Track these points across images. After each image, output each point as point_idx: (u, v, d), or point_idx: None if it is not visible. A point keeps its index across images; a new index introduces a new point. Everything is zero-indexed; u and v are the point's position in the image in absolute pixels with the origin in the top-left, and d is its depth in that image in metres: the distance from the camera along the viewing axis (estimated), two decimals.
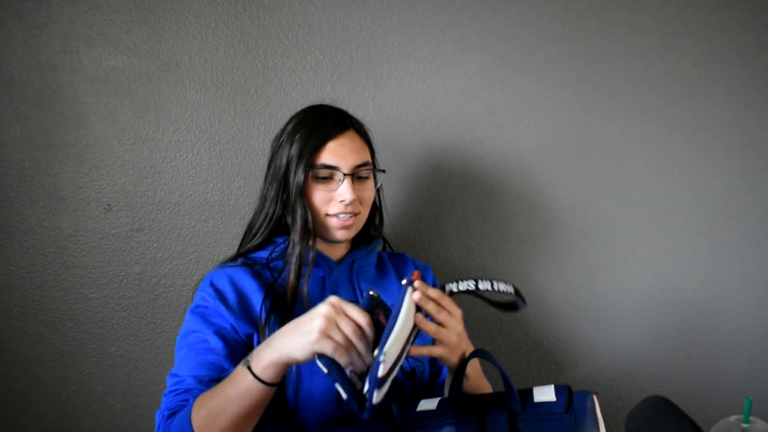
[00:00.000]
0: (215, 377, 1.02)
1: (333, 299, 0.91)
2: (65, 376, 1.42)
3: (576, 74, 1.49)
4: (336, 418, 1.08)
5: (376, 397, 0.84)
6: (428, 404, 1.01)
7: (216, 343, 1.05)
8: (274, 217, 1.14)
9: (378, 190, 1.21)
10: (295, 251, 1.10)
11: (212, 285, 1.10)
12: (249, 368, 0.93)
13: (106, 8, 1.37)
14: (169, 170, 1.41)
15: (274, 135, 1.19)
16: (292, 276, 1.09)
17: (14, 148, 1.37)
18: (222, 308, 1.07)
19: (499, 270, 1.51)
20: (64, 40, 1.36)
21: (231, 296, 1.09)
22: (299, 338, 0.90)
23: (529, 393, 0.96)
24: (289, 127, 1.15)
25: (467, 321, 1.50)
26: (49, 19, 1.35)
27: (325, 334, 0.88)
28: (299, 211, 1.10)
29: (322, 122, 1.13)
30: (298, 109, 1.19)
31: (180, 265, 1.42)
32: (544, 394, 0.95)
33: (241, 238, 1.20)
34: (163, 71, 1.39)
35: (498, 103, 1.48)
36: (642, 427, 1.09)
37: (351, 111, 1.43)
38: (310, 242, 1.10)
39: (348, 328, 0.89)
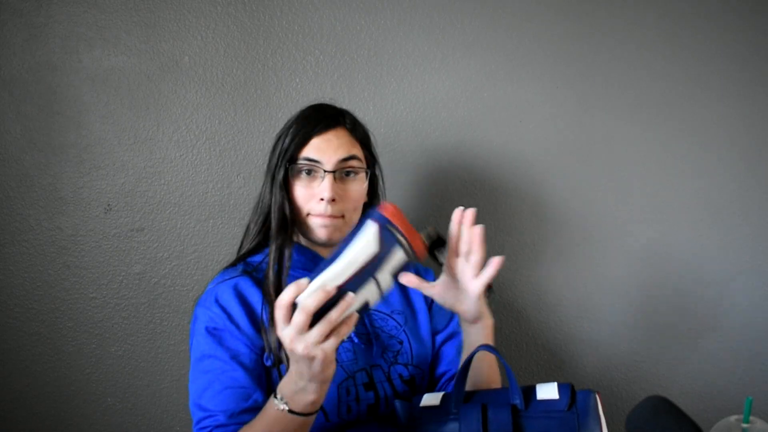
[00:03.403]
0: (245, 407, 1.01)
1: (282, 331, 0.85)
2: (65, 376, 1.42)
3: (576, 74, 1.49)
4: (335, 426, 1.08)
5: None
6: (432, 399, 1.01)
7: (236, 370, 1.03)
8: (265, 211, 1.13)
9: (377, 188, 1.20)
10: (274, 244, 1.07)
11: (218, 302, 1.07)
12: (291, 411, 0.91)
13: (106, 8, 1.37)
14: (169, 170, 1.41)
15: (275, 134, 1.19)
16: (270, 272, 1.06)
17: (14, 148, 1.37)
18: (233, 328, 1.05)
19: (499, 270, 1.51)
20: (64, 40, 1.36)
21: (239, 313, 1.06)
22: (320, 374, 0.87)
23: (532, 390, 0.97)
24: (286, 126, 1.15)
25: None
26: (49, 19, 1.35)
27: (332, 355, 0.86)
28: (278, 202, 1.08)
29: (312, 118, 1.13)
30: (298, 109, 1.19)
31: (180, 265, 1.42)
32: (547, 391, 0.95)
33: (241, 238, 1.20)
34: (163, 71, 1.39)
35: (498, 103, 1.48)
36: (642, 427, 1.09)
37: (351, 111, 1.44)
38: (291, 238, 1.08)
39: (319, 334, 0.84)
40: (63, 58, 1.36)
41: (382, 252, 0.88)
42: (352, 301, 0.86)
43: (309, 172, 1.10)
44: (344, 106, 1.43)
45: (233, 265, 1.15)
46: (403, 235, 0.89)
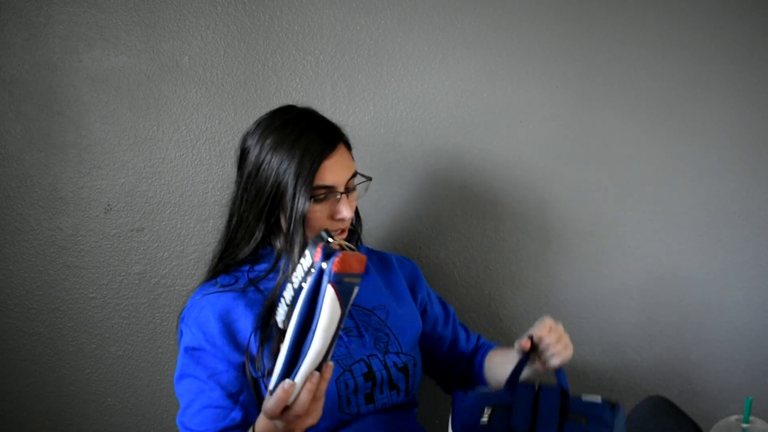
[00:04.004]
0: (222, 427, 1.03)
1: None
2: (65, 376, 1.42)
3: (576, 74, 1.49)
4: (338, 421, 1.09)
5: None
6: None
7: (213, 390, 1.04)
8: (257, 236, 1.09)
9: None
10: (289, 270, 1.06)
11: (197, 321, 1.07)
12: None
13: (106, 8, 1.37)
14: (169, 170, 1.41)
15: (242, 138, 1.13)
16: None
17: (14, 148, 1.37)
18: (210, 347, 1.05)
19: (499, 270, 1.51)
20: (64, 40, 1.36)
21: (217, 332, 1.05)
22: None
23: (578, 396, 1.06)
24: (269, 141, 1.07)
25: (468, 321, 1.50)
26: (49, 19, 1.36)
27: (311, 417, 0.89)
28: (298, 241, 1.05)
29: (312, 139, 1.07)
30: None
31: (180, 265, 1.42)
32: (592, 398, 1.05)
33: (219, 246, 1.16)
34: (163, 71, 1.39)
35: (498, 103, 1.48)
36: (642, 427, 1.09)
37: (351, 111, 1.44)
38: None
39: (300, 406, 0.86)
40: (63, 58, 1.36)
41: (345, 308, 0.86)
42: (330, 368, 0.88)
43: (323, 197, 1.08)
44: (344, 106, 1.44)
45: (213, 276, 1.13)
46: (356, 276, 0.86)
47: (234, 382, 1.05)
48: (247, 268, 1.12)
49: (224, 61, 1.40)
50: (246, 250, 1.11)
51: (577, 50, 1.48)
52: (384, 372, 1.12)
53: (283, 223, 1.08)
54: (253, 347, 1.05)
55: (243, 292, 1.09)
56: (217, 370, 1.05)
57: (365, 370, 1.10)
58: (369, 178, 1.16)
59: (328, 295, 0.84)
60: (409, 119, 1.46)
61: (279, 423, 0.88)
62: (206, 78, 1.40)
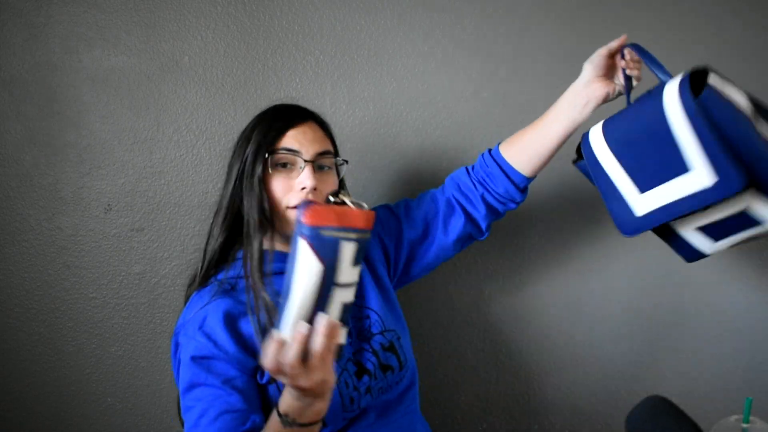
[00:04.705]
0: (244, 430, 1.01)
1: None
2: (65, 376, 1.42)
3: (576, 74, 1.49)
4: (343, 421, 1.09)
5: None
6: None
7: (231, 394, 1.02)
8: (230, 211, 1.11)
9: (342, 182, 1.18)
10: (253, 246, 1.06)
11: (202, 330, 1.05)
12: (301, 425, 0.92)
13: (106, 8, 1.37)
14: (169, 170, 1.41)
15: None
16: (256, 276, 1.05)
17: (14, 148, 1.37)
18: (221, 354, 1.03)
19: (498, 271, 1.51)
20: (64, 40, 1.36)
21: (225, 338, 1.04)
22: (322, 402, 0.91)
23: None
24: (247, 131, 1.13)
25: (469, 322, 1.50)
26: (49, 19, 1.36)
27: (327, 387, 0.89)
28: (255, 198, 1.06)
29: (281, 114, 1.13)
30: None
31: (180, 265, 1.42)
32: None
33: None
34: (163, 71, 1.39)
35: (498, 103, 1.48)
36: (642, 427, 1.09)
37: (351, 111, 1.44)
38: (270, 237, 1.07)
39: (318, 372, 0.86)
40: (63, 58, 1.36)
41: (327, 262, 0.81)
42: (329, 322, 0.83)
43: (285, 165, 1.09)
44: (344, 106, 1.44)
45: (203, 284, 1.13)
46: (339, 229, 0.81)
47: (249, 387, 1.04)
48: (233, 273, 1.12)
49: (224, 61, 1.40)
50: (222, 230, 1.13)
51: (578, 50, 1.48)
52: (374, 358, 1.12)
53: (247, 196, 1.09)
54: (254, 341, 1.04)
55: (237, 296, 1.08)
56: (230, 375, 1.03)
57: (355, 368, 1.10)
58: (345, 162, 1.16)
59: (301, 248, 0.81)
60: (409, 119, 1.46)
61: (294, 393, 0.88)
62: (206, 78, 1.40)
